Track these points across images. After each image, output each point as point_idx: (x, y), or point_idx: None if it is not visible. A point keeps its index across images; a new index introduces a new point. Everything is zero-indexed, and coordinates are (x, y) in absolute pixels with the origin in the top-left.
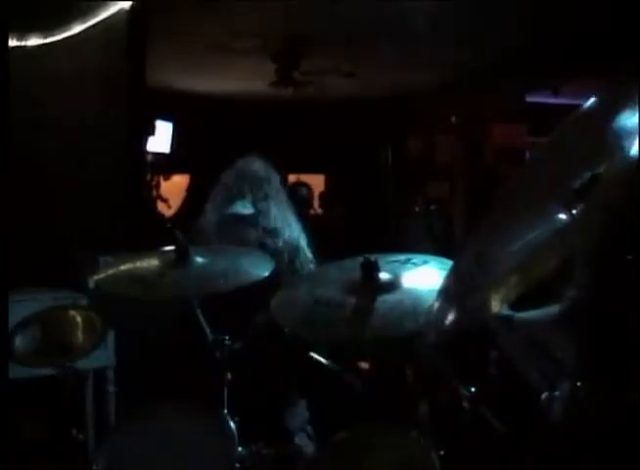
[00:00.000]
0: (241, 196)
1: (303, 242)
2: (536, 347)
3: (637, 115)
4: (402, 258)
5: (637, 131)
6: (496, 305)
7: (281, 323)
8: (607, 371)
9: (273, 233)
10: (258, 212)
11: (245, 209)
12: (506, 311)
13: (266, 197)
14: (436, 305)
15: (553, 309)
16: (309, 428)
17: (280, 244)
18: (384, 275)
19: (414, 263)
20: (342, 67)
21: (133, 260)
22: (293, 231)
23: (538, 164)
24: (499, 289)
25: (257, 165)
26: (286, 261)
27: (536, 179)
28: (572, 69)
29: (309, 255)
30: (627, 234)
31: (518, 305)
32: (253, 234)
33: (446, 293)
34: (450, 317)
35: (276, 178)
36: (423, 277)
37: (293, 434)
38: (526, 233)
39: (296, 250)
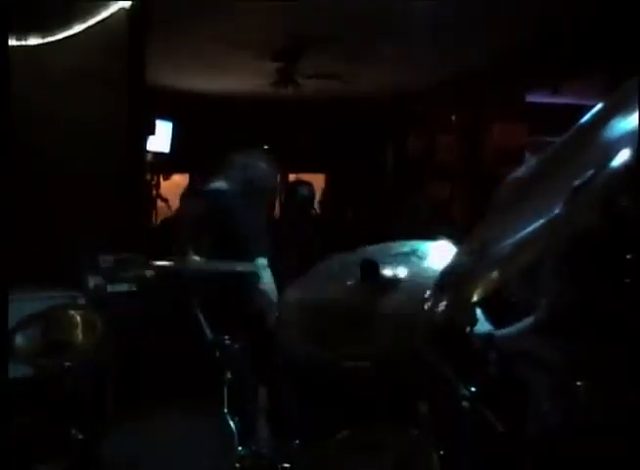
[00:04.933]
0: None
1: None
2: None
3: (636, 116)
4: (407, 248)
5: (636, 132)
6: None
7: (281, 324)
8: (606, 371)
9: None
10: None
11: None
12: (486, 330)
13: None
14: (431, 296)
15: (529, 320)
16: None
17: None
18: (386, 273)
19: (419, 256)
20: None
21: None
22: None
23: (542, 164)
24: (481, 281)
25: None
26: None
27: (539, 179)
28: (572, 68)
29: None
30: (625, 233)
31: (496, 323)
32: None
33: (441, 285)
34: (441, 308)
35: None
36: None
37: None
38: (523, 229)
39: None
